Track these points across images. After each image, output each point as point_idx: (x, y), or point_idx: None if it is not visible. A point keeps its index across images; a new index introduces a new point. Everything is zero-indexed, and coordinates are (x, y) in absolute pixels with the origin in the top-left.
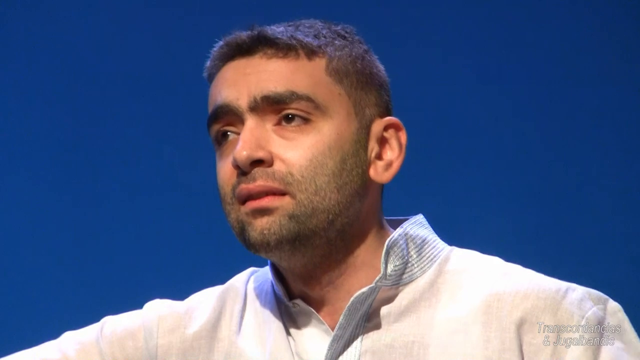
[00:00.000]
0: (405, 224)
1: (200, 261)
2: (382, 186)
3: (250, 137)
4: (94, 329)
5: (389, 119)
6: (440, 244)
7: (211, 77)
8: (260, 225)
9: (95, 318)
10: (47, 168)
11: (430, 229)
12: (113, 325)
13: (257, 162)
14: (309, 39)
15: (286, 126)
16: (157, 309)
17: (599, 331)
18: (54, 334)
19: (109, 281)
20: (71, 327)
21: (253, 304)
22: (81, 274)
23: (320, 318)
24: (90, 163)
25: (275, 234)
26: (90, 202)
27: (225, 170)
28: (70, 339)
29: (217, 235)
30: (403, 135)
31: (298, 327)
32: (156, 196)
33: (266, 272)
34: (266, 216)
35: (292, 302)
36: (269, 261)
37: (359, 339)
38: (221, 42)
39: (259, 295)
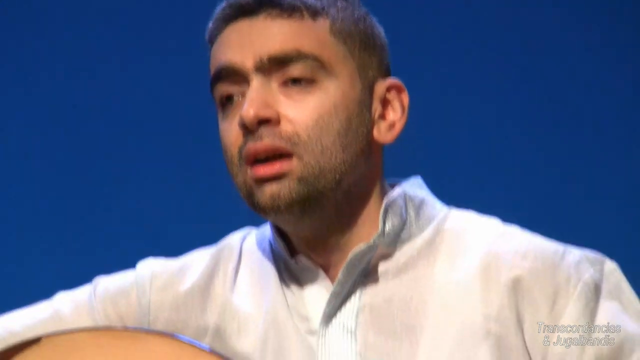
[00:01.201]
0: (403, 184)
1: (195, 222)
2: (383, 148)
3: (257, 97)
4: (86, 289)
5: (391, 80)
6: (439, 204)
7: (213, 39)
8: (270, 191)
9: (87, 279)
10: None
11: (428, 190)
12: (106, 284)
13: (264, 122)
14: (312, 0)
15: (292, 87)
16: (150, 266)
17: (596, 293)
18: (46, 295)
19: (102, 243)
20: (63, 287)
21: (249, 262)
22: (74, 233)
23: (323, 273)
24: (88, 126)
25: (285, 198)
26: (86, 160)
27: (230, 131)
28: (63, 298)
29: (212, 194)
30: (405, 97)
31: (298, 283)
32: (150, 155)
33: (263, 231)
34: (275, 182)
35: (294, 258)
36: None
37: (357, 295)
38: (223, 4)
39: (255, 253)
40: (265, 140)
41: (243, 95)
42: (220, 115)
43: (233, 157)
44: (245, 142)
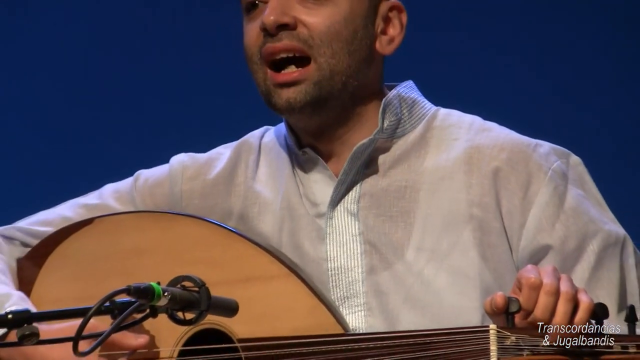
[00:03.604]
0: (398, 87)
1: (219, 119)
2: (384, 58)
3: (277, 5)
4: (129, 181)
5: (393, 1)
6: (428, 104)
7: None
8: (287, 96)
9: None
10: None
11: (419, 92)
12: (145, 177)
13: (283, 26)
14: None
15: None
16: (181, 160)
17: (564, 179)
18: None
19: (140, 138)
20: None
21: (267, 155)
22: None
23: (326, 165)
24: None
25: (300, 102)
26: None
27: (252, 33)
28: (109, 189)
29: (235, 93)
30: (404, 16)
31: (306, 173)
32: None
33: (280, 127)
34: (293, 87)
35: (302, 150)
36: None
37: (359, 184)
38: None
39: (272, 148)
40: (284, 41)
41: (266, 2)
42: (245, 19)
43: (253, 55)
44: (264, 43)
